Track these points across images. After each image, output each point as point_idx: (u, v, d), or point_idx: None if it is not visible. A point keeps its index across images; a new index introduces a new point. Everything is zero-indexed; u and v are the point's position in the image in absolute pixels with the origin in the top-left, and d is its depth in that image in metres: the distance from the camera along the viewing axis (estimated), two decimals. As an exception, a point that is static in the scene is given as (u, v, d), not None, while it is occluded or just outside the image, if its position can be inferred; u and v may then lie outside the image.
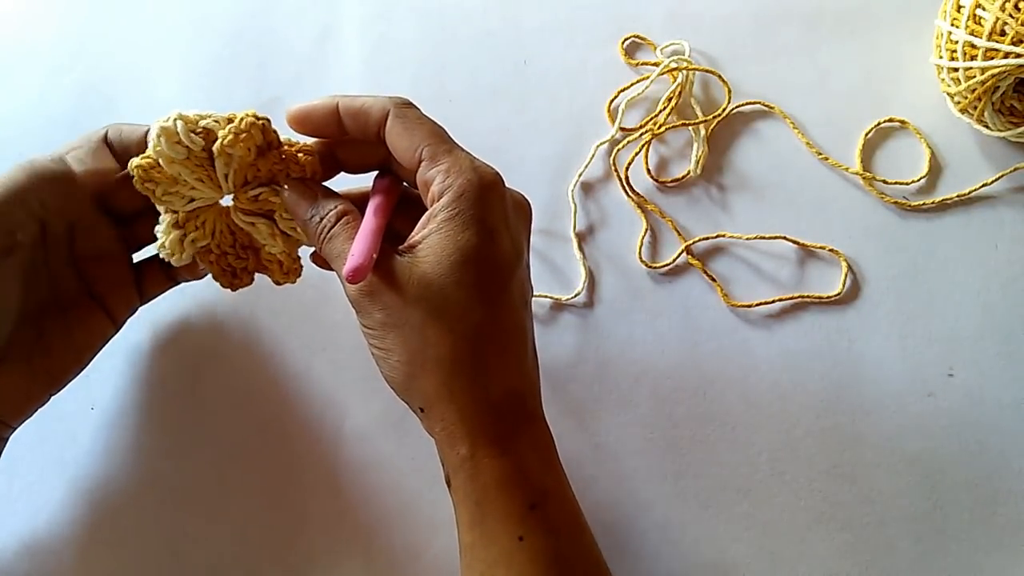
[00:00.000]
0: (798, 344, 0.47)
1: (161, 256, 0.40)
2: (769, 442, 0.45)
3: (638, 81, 0.51)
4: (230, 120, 0.37)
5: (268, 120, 0.38)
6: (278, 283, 0.42)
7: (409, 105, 0.37)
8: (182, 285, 0.46)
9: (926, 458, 0.45)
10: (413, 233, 0.35)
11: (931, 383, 0.46)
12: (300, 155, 0.38)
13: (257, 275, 0.42)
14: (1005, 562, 0.43)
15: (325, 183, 0.40)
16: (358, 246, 0.34)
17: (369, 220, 0.36)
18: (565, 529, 0.35)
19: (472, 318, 0.34)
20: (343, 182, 0.40)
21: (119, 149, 0.40)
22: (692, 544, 0.44)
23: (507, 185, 0.37)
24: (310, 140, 0.39)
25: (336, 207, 0.37)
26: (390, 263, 0.34)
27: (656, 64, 0.51)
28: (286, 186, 0.38)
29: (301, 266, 0.42)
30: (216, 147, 0.37)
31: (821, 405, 0.46)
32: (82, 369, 0.42)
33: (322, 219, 0.37)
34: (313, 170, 0.38)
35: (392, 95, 0.37)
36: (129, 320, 0.45)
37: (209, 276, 0.43)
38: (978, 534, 0.43)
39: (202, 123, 0.37)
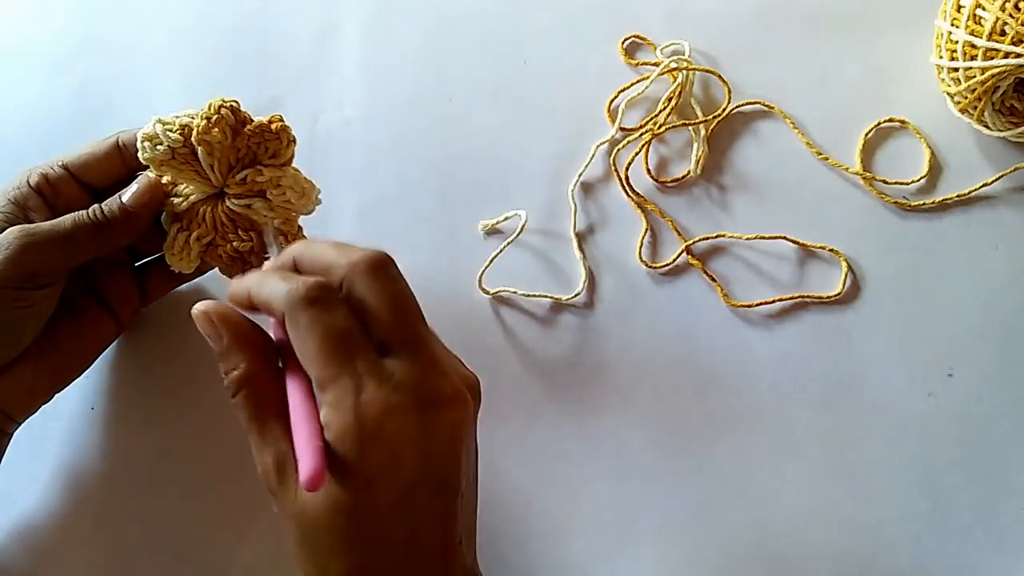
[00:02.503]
0: (798, 344, 0.47)
1: (172, 267, 0.42)
2: (769, 442, 0.45)
3: (638, 81, 0.51)
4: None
5: (237, 102, 0.39)
6: None
7: (310, 302, 0.31)
8: (182, 286, 0.46)
9: (926, 458, 0.45)
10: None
11: (931, 383, 0.46)
12: (272, 124, 0.40)
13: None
14: (1005, 562, 0.43)
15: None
16: (306, 454, 0.30)
17: (301, 420, 0.31)
18: None
19: (338, 565, 0.31)
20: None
21: (134, 153, 0.40)
22: (692, 544, 0.44)
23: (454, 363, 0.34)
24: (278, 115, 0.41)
25: (237, 369, 0.33)
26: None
27: (656, 64, 0.51)
28: (198, 311, 0.34)
29: (305, 238, 0.43)
30: (194, 137, 0.39)
31: (821, 405, 0.46)
32: (87, 368, 0.43)
33: (225, 375, 0.33)
34: (288, 138, 0.40)
35: (299, 285, 0.31)
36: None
37: (205, 276, 0.44)
38: (978, 534, 0.43)
39: (179, 122, 0.39)
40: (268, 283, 0.32)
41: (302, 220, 0.43)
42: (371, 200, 0.50)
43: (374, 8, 0.54)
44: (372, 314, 0.31)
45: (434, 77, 0.53)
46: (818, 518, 0.44)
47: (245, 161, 0.40)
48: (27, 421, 0.42)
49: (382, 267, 0.32)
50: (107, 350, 0.46)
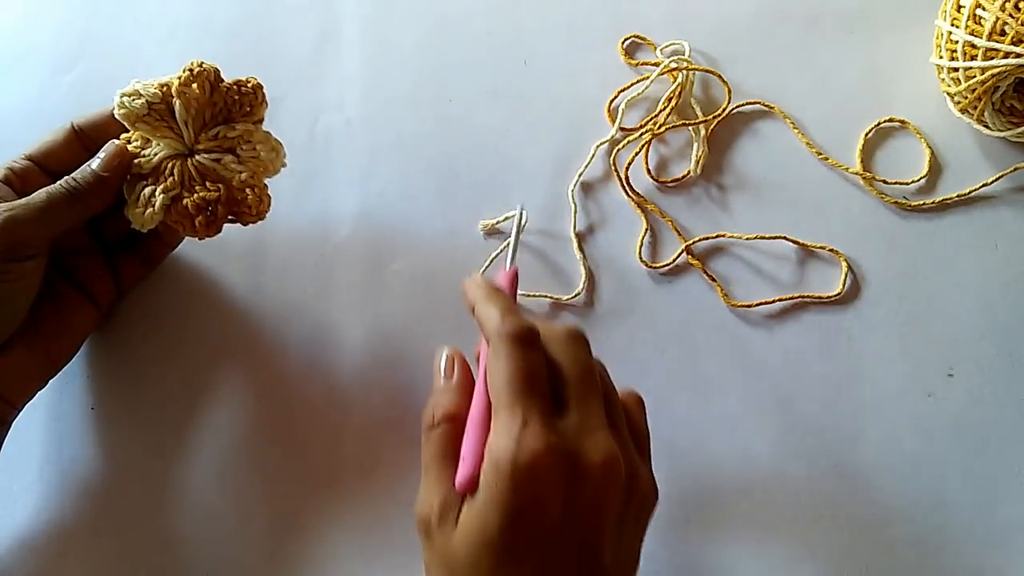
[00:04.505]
0: (798, 344, 0.47)
1: (133, 223, 0.42)
2: (769, 442, 0.45)
3: (638, 81, 0.51)
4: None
5: (215, 66, 0.42)
6: (251, 216, 0.42)
7: (518, 340, 0.34)
8: (182, 284, 0.46)
9: (926, 458, 0.45)
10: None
11: (931, 383, 0.46)
12: (249, 82, 0.42)
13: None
14: (1005, 562, 0.43)
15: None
16: (470, 459, 0.33)
17: (474, 437, 0.34)
18: None
19: None
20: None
21: (91, 135, 0.43)
22: (692, 544, 0.44)
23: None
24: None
25: (451, 406, 0.35)
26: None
27: (656, 64, 0.51)
28: (446, 352, 0.38)
29: (270, 196, 0.43)
30: (174, 89, 0.41)
31: (821, 405, 0.46)
32: (76, 352, 0.44)
33: (434, 407, 0.36)
34: (261, 96, 0.42)
35: (514, 321, 0.34)
36: (128, 319, 0.46)
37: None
38: (978, 534, 0.43)
39: (157, 81, 0.41)
40: (491, 306, 0.35)
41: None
42: (371, 200, 0.50)
43: (374, 8, 0.54)
44: (561, 373, 0.34)
45: (434, 77, 0.53)
46: (818, 518, 0.44)
47: (219, 119, 0.42)
48: (28, 422, 0.42)
49: (580, 338, 0.36)
50: (106, 351, 0.46)
